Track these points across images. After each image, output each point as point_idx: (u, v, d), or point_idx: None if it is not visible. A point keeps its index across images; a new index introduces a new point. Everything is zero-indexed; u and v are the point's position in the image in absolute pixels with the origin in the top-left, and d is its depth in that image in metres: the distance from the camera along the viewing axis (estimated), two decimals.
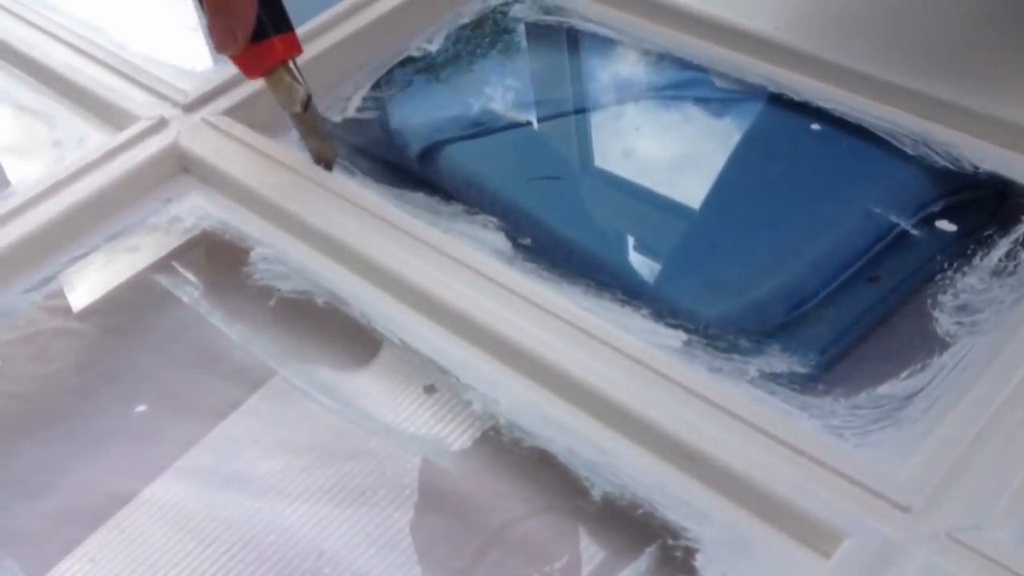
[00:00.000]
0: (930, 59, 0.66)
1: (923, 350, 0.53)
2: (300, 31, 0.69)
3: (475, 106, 0.72)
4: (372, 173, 0.65)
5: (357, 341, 0.57)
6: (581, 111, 0.73)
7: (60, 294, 0.62)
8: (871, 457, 0.48)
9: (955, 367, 0.51)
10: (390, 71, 0.73)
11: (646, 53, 0.73)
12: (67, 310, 0.62)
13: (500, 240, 0.60)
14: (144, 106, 0.69)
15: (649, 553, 0.47)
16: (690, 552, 0.46)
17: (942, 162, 0.62)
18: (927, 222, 0.60)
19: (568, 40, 0.76)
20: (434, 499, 0.52)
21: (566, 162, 0.71)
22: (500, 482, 0.52)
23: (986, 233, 0.59)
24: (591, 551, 0.49)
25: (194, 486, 0.53)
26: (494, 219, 0.62)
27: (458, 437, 0.53)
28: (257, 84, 0.67)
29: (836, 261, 0.59)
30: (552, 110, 0.73)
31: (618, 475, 0.49)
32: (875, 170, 0.64)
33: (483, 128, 0.70)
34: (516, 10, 0.77)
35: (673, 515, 0.47)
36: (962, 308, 0.55)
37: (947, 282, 0.57)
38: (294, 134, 0.67)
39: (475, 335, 0.54)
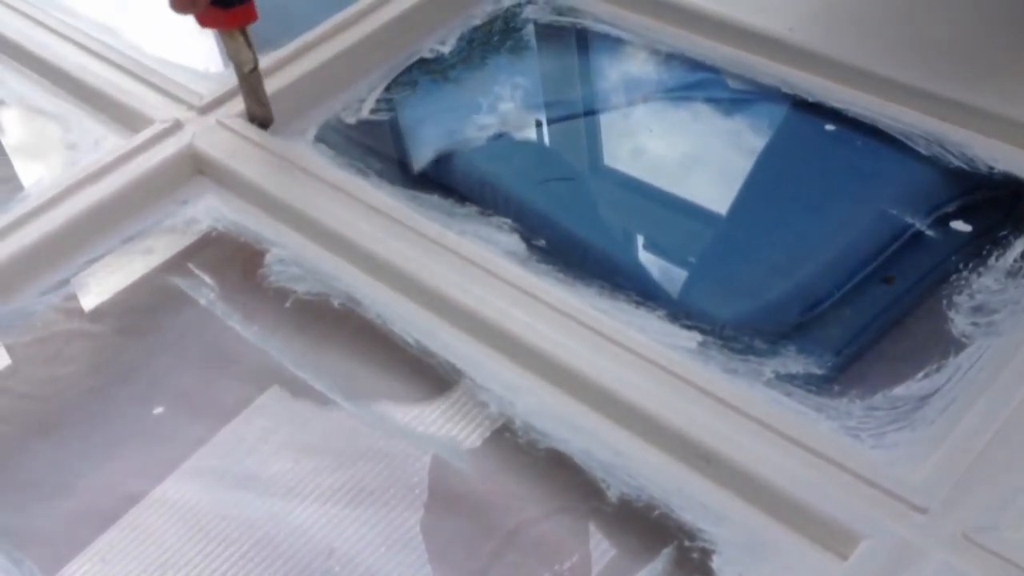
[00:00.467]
0: (944, 60, 0.66)
1: (938, 351, 0.53)
2: (314, 34, 0.70)
3: (488, 108, 0.72)
4: (386, 175, 0.65)
5: (372, 342, 0.57)
6: (594, 112, 0.73)
7: (76, 296, 0.62)
8: (887, 458, 0.48)
9: (971, 368, 0.51)
10: (403, 73, 0.73)
11: (659, 54, 0.73)
12: (83, 312, 0.62)
13: (514, 241, 0.60)
14: (159, 108, 0.69)
15: (665, 554, 0.47)
16: (707, 554, 0.46)
17: (956, 162, 0.62)
18: (942, 222, 0.60)
19: (581, 41, 0.76)
20: (450, 500, 0.52)
21: (580, 164, 0.71)
22: (515, 483, 0.52)
23: (1001, 233, 0.59)
24: (607, 552, 0.49)
25: (206, 486, 0.54)
26: (508, 220, 0.62)
27: (474, 439, 0.53)
28: (273, 87, 0.67)
29: (851, 262, 0.59)
30: (565, 111, 0.73)
31: (634, 476, 0.49)
32: (889, 171, 0.64)
33: (497, 130, 0.70)
34: (528, 11, 0.77)
35: (689, 516, 0.47)
36: (978, 309, 0.55)
37: (962, 283, 0.56)
38: (309, 135, 0.67)
39: (490, 336, 0.55)
